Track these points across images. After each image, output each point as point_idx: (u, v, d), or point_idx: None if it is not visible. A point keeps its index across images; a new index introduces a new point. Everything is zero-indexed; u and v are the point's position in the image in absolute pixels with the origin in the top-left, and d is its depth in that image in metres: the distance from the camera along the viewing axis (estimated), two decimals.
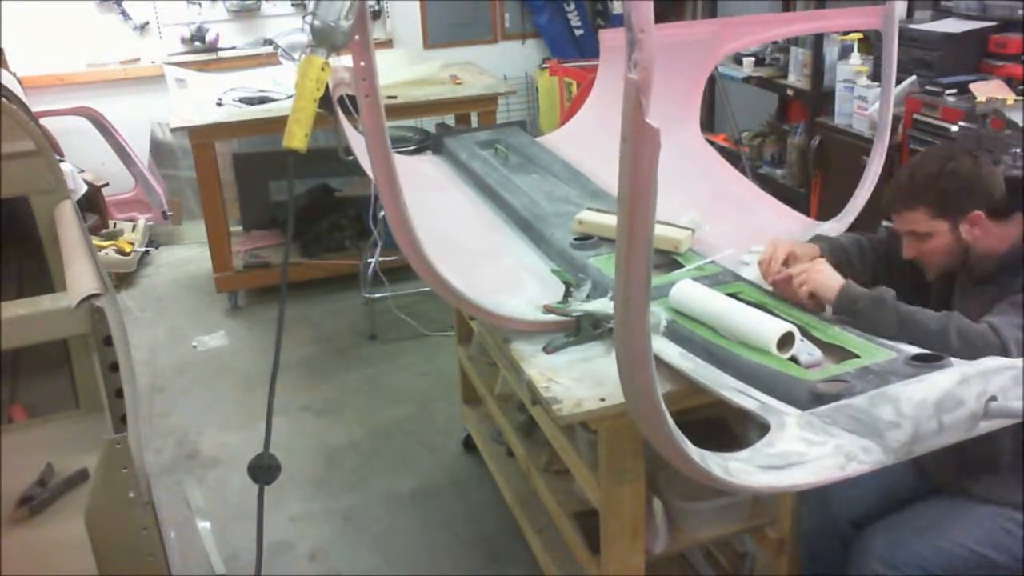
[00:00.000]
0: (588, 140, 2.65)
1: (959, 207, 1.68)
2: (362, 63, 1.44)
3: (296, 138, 1.37)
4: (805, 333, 1.61)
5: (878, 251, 1.91)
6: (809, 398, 1.38)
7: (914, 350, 1.49)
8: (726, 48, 2.52)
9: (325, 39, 1.38)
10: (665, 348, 1.61)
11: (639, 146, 0.92)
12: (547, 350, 1.68)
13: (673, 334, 1.65)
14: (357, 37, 1.41)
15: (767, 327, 1.55)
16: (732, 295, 1.75)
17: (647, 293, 1.01)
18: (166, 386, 3.59)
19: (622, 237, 0.98)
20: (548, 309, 1.77)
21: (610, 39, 2.79)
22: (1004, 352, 1.47)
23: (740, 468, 1.19)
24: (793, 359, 1.54)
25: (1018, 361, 1.30)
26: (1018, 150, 2.69)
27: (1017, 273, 1.67)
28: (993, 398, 1.24)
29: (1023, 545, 1.66)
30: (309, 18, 1.38)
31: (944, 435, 1.24)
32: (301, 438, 3.17)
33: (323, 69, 1.39)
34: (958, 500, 1.75)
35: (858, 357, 1.50)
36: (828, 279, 1.68)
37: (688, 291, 1.71)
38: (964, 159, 1.71)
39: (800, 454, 1.23)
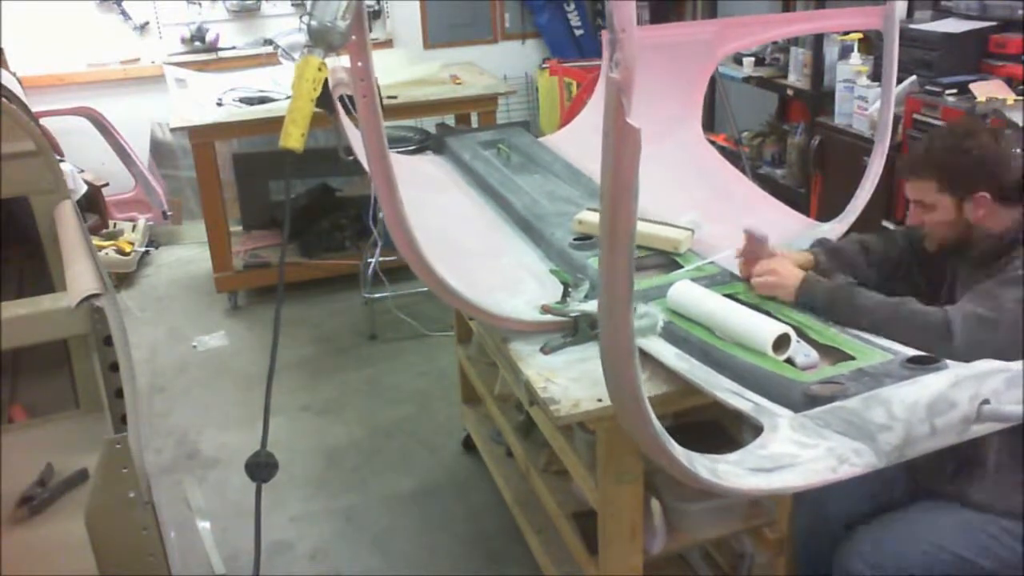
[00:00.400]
0: (590, 140, 2.62)
1: (966, 186, 1.68)
2: (359, 64, 1.45)
3: (292, 138, 1.38)
4: (802, 334, 1.61)
5: (882, 249, 1.91)
6: (803, 400, 1.38)
7: (911, 352, 1.48)
8: (727, 48, 2.52)
9: (322, 39, 1.38)
10: (661, 349, 1.61)
11: (620, 145, 0.92)
12: (544, 350, 1.68)
13: (670, 335, 1.65)
14: (354, 38, 1.42)
15: (763, 329, 1.55)
16: (729, 296, 1.75)
17: (630, 291, 1.01)
18: (166, 386, 3.60)
19: (604, 236, 0.99)
20: (546, 309, 1.77)
21: None
22: (947, 335, 1.50)
23: (729, 470, 1.19)
24: (789, 361, 1.54)
25: (1013, 364, 1.29)
26: (1018, 150, 2.69)
27: (1008, 263, 1.67)
28: (986, 401, 1.23)
29: (1013, 551, 1.65)
30: (306, 19, 1.38)
31: (936, 438, 1.23)
32: (301, 438, 3.17)
33: (320, 69, 1.39)
34: (947, 505, 1.74)
35: (854, 359, 1.50)
36: (784, 279, 1.71)
37: (685, 292, 1.71)
38: (983, 136, 1.70)
39: (791, 456, 1.22)
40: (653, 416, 1.13)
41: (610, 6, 0.87)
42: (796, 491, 1.25)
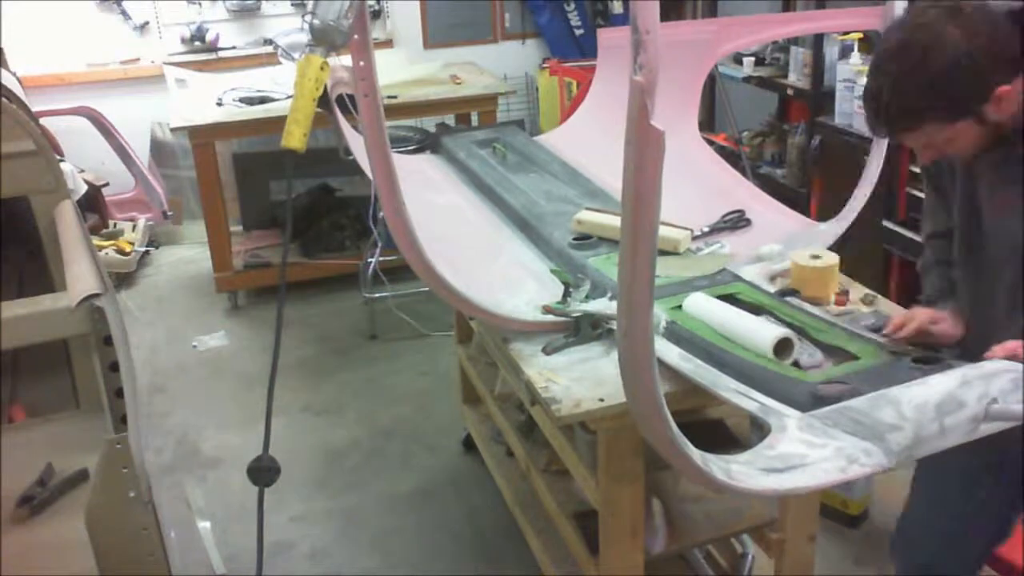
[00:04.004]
0: (586, 139, 2.65)
1: (978, 97, 1.33)
2: (361, 63, 1.44)
3: (294, 138, 1.38)
4: (805, 335, 1.60)
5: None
6: (810, 400, 1.38)
7: (915, 352, 1.48)
8: (725, 48, 2.51)
9: (324, 39, 1.39)
10: (664, 349, 1.61)
11: (643, 149, 0.91)
12: (546, 351, 1.68)
13: (672, 335, 1.65)
14: (356, 37, 1.42)
15: (763, 337, 1.54)
16: (730, 296, 1.75)
17: (651, 297, 1.01)
18: (166, 386, 3.59)
19: (626, 240, 0.98)
20: (547, 310, 1.76)
21: (608, 38, 2.78)
22: None
23: (741, 471, 1.19)
24: (795, 362, 1.53)
25: (1020, 365, 1.28)
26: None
27: None
28: (994, 400, 1.23)
29: None
30: (308, 17, 1.38)
31: (946, 437, 1.23)
32: (301, 438, 3.17)
33: (322, 69, 1.39)
34: None
35: (858, 359, 1.50)
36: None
37: (693, 305, 1.71)
38: (953, 34, 1.30)
39: (801, 456, 1.22)
40: (671, 419, 1.13)
41: (634, 7, 0.86)
42: (809, 491, 1.24)
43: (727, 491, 1.20)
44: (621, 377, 1.12)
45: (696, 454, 1.16)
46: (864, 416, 1.28)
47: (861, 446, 1.23)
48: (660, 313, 1.69)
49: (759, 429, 1.34)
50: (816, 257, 1.82)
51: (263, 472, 1.47)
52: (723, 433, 2.01)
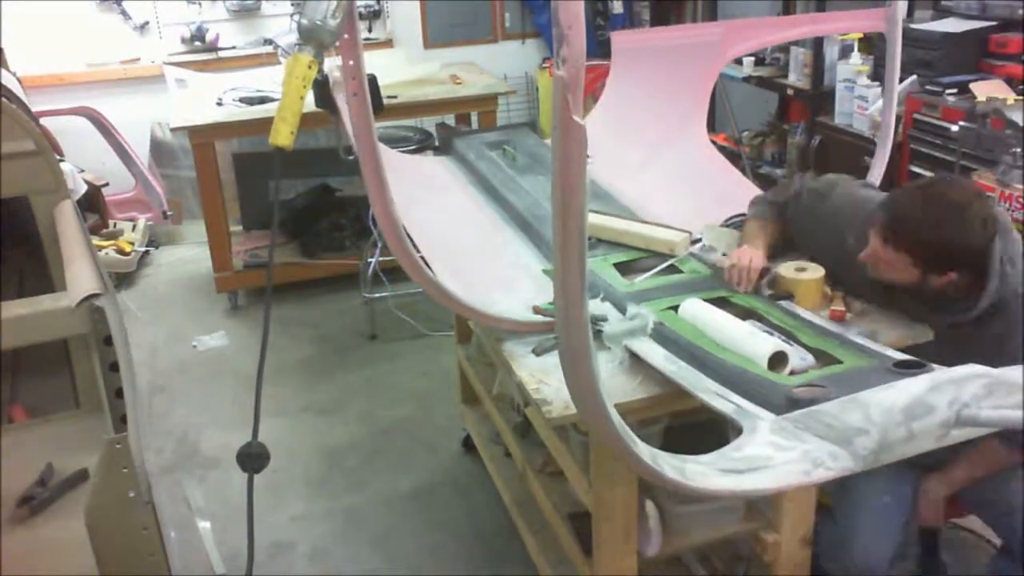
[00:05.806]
0: (596, 142, 2.63)
1: (938, 267, 1.62)
2: (350, 62, 1.45)
3: (281, 135, 1.39)
4: (793, 338, 1.60)
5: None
6: (785, 403, 1.37)
7: (898, 356, 1.47)
8: (734, 50, 2.50)
9: (312, 38, 1.39)
10: (649, 350, 1.60)
11: (567, 143, 0.92)
12: (536, 352, 1.68)
13: (659, 336, 1.65)
14: (346, 36, 1.42)
15: (758, 347, 1.54)
16: (722, 299, 1.75)
17: (584, 288, 1.01)
18: (166, 386, 3.60)
19: (557, 233, 0.98)
20: (536, 310, 1.76)
21: (622, 42, 2.75)
22: None
23: (697, 471, 1.18)
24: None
25: (994, 370, 1.26)
26: (1018, 150, 2.69)
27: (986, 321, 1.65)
28: (966, 405, 1.21)
29: None
30: (297, 17, 1.39)
31: (914, 443, 1.21)
32: (301, 438, 3.16)
33: (310, 67, 1.40)
34: None
35: (841, 363, 1.50)
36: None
37: (688, 310, 1.71)
38: (975, 225, 1.58)
39: (766, 458, 1.22)
40: (614, 413, 1.12)
41: (556, 3, 0.85)
42: (768, 493, 1.23)
43: (681, 491, 1.19)
44: (562, 370, 1.11)
45: (645, 451, 1.15)
46: (834, 420, 1.26)
47: (828, 449, 1.22)
48: (647, 314, 1.69)
49: (737, 432, 1.33)
50: (802, 269, 1.82)
51: (252, 458, 1.47)
52: (725, 434, 2.01)
